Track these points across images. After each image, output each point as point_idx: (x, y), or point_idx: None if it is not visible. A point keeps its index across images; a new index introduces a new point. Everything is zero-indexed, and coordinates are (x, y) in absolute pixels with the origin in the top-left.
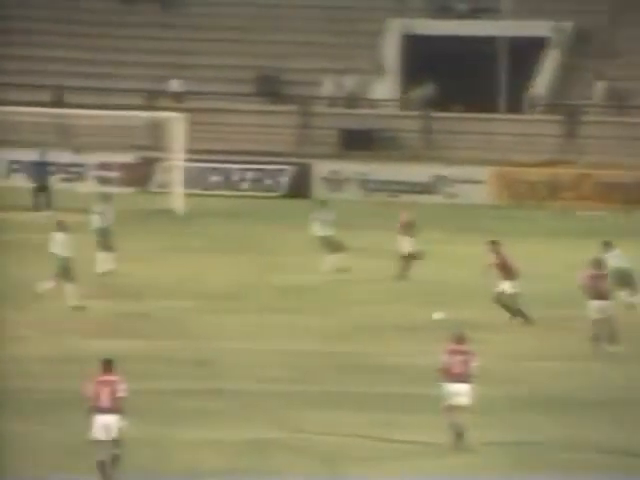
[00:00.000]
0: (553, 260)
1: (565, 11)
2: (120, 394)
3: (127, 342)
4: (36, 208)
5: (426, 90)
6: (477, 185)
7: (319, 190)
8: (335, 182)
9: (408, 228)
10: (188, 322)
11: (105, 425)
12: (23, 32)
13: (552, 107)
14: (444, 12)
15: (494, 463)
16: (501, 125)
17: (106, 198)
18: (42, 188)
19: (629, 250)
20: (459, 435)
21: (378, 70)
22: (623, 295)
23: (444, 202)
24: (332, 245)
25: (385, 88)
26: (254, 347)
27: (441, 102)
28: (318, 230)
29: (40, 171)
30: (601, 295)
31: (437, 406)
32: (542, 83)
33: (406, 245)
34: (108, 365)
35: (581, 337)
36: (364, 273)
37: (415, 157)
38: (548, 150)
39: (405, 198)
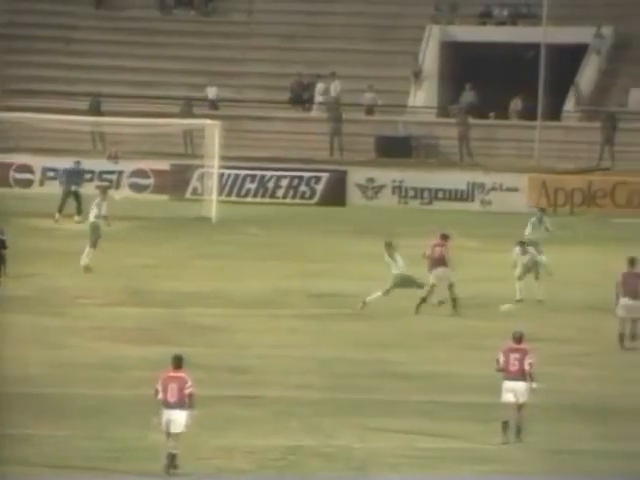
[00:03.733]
0: (589, 267)
1: (605, 17)
2: (187, 390)
3: (161, 349)
4: (60, 210)
5: (468, 98)
6: (514, 192)
7: (354, 197)
8: (370, 189)
9: None
10: (222, 329)
11: (172, 420)
12: (61, 40)
13: (590, 114)
14: (484, 19)
15: (529, 470)
16: (538, 132)
17: (104, 192)
18: (73, 194)
19: None
20: (518, 432)
21: (416, 77)
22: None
23: (480, 209)
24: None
25: (423, 95)
26: (288, 354)
27: (479, 109)
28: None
29: (72, 178)
30: (631, 293)
31: (468, 413)
32: (581, 90)
33: None
34: (178, 361)
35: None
36: None
37: (451, 164)
38: (585, 157)
39: (440, 205)
